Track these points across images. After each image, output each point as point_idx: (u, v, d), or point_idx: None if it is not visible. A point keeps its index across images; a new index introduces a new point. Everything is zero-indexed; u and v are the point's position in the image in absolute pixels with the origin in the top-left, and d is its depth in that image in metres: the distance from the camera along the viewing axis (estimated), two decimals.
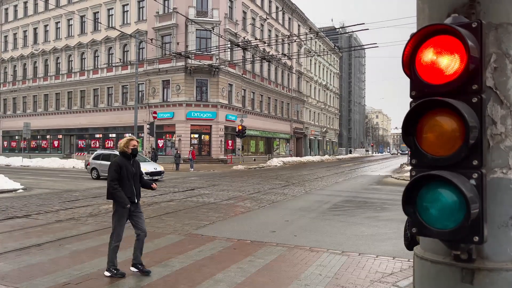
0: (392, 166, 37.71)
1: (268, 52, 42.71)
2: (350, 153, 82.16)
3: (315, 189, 16.07)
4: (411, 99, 1.67)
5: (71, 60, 44.35)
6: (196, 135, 36.23)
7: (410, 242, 2.44)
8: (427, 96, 1.57)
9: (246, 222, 8.78)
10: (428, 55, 1.59)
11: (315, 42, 59.56)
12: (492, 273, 1.54)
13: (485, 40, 1.55)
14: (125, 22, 39.53)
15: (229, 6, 37.91)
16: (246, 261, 5.75)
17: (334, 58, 73.62)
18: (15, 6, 49.62)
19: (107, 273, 4.95)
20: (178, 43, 34.25)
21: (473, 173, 1.50)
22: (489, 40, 1.58)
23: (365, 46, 60.78)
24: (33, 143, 47.61)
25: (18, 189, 14.64)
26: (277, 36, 46.99)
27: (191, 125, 35.49)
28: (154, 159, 27.42)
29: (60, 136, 45.70)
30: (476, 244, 1.49)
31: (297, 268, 5.46)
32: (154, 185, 5.46)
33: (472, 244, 1.51)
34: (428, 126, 1.59)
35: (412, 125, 1.63)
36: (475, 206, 1.44)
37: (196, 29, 34.67)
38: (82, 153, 40.34)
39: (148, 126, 31.64)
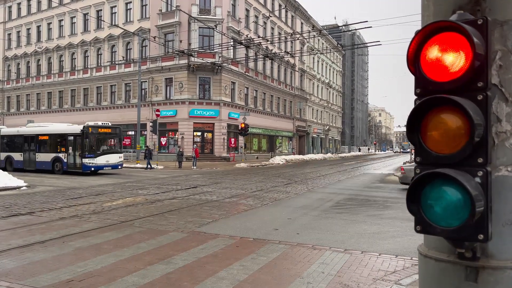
0: (395, 165, 37.60)
1: (271, 50, 42.63)
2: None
3: (317, 187, 16.07)
4: (416, 97, 1.66)
5: (74, 58, 44.46)
6: (199, 133, 36.26)
7: None
8: (432, 94, 1.57)
9: (248, 220, 8.79)
10: (433, 52, 1.58)
11: (318, 40, 59.41)
12: (497, 272, 1.53)
13: (490, 37, 1.54)
14: (128, 20, 39.56)
15: (232, 4, 37.87)
16: (248, 258, 5.76)
17: (337, 56, 73.46)
18: (19, 4, 49.72)
19: None
20: (181, 41, 34.25)
21: (478, 171, 1.50)
22: (494, 37, 1.57)
23: (368, 44, 60.74)
24: None
25: (22, 187, 14.72)
26: (280, 34, 46.88)
27: (194, 123, 35.52)
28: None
29: None
30: (481, 242, 1.49)
31: (299, 266, 5.46)
32: None
33: (476, 242, 1.50)
34: (433, 124, 1.58)
35: (416, 122, 1.62)
36: (480, 204, 1.43)
37: (199, 27, 34.66)
38: None
39: (151, 124, 31.71)
